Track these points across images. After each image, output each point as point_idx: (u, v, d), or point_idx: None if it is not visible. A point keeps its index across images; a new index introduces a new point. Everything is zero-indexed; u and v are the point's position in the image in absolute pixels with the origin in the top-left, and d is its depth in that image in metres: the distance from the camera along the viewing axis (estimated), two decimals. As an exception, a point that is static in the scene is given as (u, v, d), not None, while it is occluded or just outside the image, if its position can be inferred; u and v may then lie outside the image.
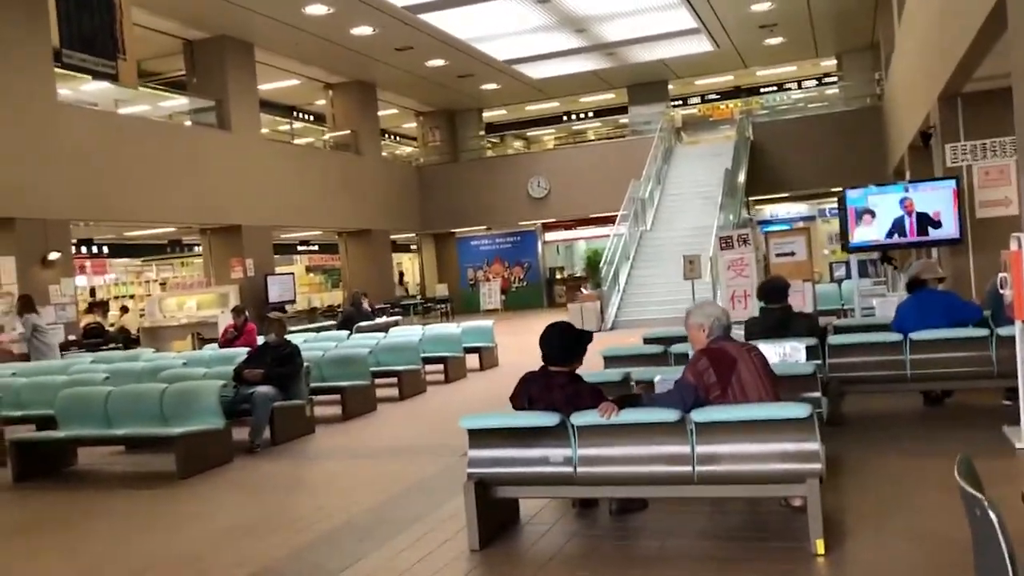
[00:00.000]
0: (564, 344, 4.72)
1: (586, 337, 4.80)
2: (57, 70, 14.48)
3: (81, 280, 20.77)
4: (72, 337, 14.77)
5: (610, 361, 7.37)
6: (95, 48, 13.00)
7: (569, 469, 4.51)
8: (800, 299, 9.38)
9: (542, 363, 4.76)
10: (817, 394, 5.76)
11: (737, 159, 22.16)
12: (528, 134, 35.24)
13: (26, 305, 12.50)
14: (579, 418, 4.47)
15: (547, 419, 4.51)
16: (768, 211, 28.26)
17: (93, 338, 15.63)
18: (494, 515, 4.78)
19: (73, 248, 17.13)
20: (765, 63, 26.22)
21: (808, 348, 6.51)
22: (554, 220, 27.25)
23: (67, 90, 16.58)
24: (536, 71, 24.37)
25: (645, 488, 4.54)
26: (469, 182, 26.95)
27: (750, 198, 23.88)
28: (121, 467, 7.92)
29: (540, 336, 4.77)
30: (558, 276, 28.37)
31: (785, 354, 6.41)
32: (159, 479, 7.08)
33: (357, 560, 4.62)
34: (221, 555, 4.94)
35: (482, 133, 30.28)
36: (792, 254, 10.66)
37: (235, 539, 5.25)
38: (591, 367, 5.53)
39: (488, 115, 30.44)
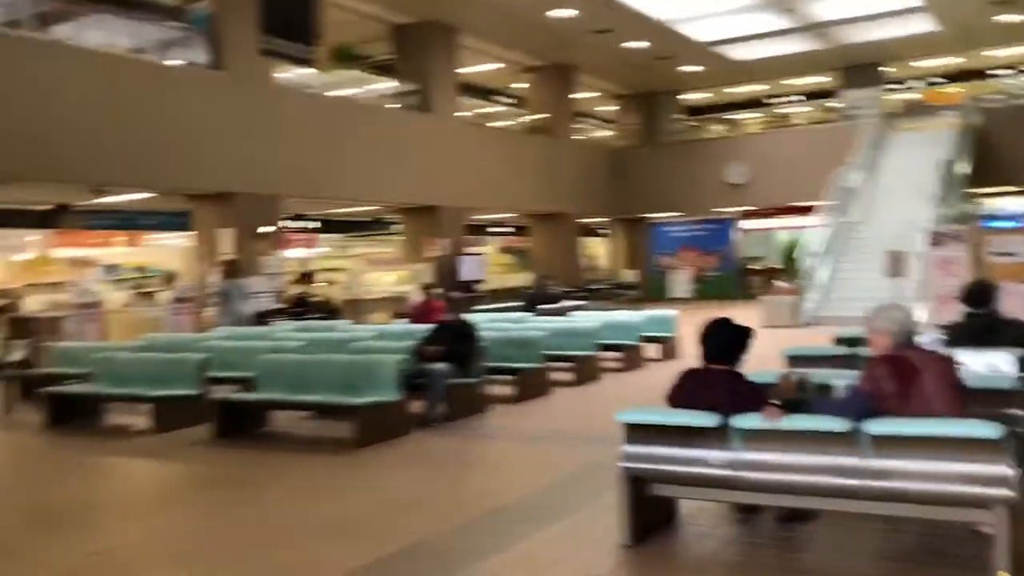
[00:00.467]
0: (723, 340, 4.51)
1: (747, 334, 4.55)
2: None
3: (292, 252, 22.27)
4: (280, 306, 15.86)
5: (793, 361, 6.98)
6: (293, 34, 13.73)
7: (729, 472, 4.31)
8: (1020, 303, 8.54)
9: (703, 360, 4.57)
10: (1021, 412, 5.19)
11: (959, 148, 20.40)
12: (729, 118, 34.16)
13: (231, 270, 13.47)
14: (742, 420, 4.27)
15: (707, 419, 4.33)
16: (993, 206, 25.90)
17: (299, 307, 16.71)
18: (650, 512, 4.67)
19: (285, 222, 18.38)
20: (995, 43, 23.94)
21: (1020, 360, 5.88)
22: (752, 208, 26.28)
23: (284, 73, 17.74)
24: (740, 52, 23.52)
25: (809, 499, 4.26)
26: (664, 167, 26.47)
27: (973, 191, 21.93)
28: (308, 432, 8.41)
29: (700, 332, 4.58)
30: (753, 267, 27.35)
31: (991, 365, 5.84)
32: (340, 445, 7.46)
33: (512, 543, 4.67)
34: (385, 524, 5.13)
35: (680, 116, 29.64)
36: (1013, 254, 9.73)
37: (398, 511, 5.44)
38: (770, 366, 5.26)
39: (687, 98, 29.75)
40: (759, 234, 28.43)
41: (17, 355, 10.08)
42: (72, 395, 9.39)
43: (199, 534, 5.17)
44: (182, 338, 11.76)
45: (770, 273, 25.11)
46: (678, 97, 29.07)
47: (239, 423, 8.18)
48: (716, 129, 33.63)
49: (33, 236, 19.84)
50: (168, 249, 23.94)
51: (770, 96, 30.27)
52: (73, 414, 9.26)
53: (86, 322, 12.99)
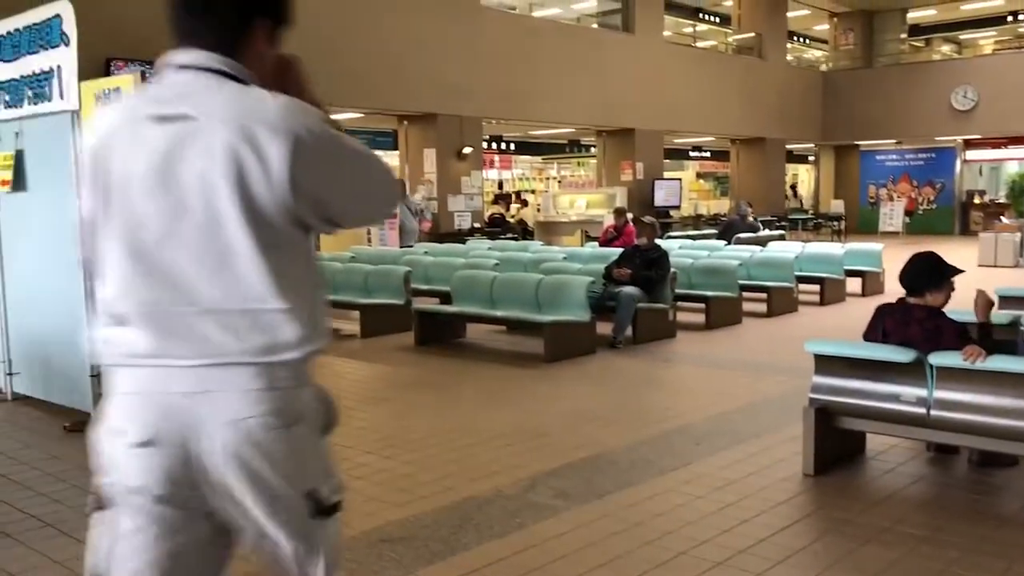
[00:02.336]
0: (920, 272, 4.32)
1: (949, 270, 4.32)
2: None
3: (491, 174, 22.84)
4: (476, 225, 16.43)
5: (1006, 301, 6.56)
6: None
7: (922, 410, 4.19)
8: None
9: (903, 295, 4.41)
10: None
11: None
12: (961, 37, 31.22)
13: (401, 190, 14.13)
14: (938, 358, 4.11)
15: (902, 354, 4.20)
16: None
17: (495, 227, 17.24)
18: (835, 444, 4.62)
19: (484, 144, 18.84)
20: None
21: None
22: (979, 137, 24.16)
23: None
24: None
25: (1008, 443, 4.07)
26: (882, 90, 24.73)
27: None
28: (499, 345, 8.81)
29: (903, 266, 4.41)
30: (976, 201, 25.25)
31: None
32: (528, 360, 7.79)
33: (688, 463, 4.77)
34: (565, 435, 5.38)
35: (904, 36, 27.42)
36: None
37: (581, 423, 5.66)
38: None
39: (914, 16, 27.42)
40: (986, 165, 26.17)
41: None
42: (291, 299, 10.27)
43: (402, 429, 5.62)
44: (387, 251, 12.49)
45: (994, 208, 23.15)
46: (906, 15, 26.83)
47: (437, 333, 8.69)
48: (944, 50, 30.90)
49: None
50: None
51: (1012, 12, 27.27)
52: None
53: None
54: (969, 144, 24.85)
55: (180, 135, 1.63)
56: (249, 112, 1.62)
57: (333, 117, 1.75)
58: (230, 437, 1.63)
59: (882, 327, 4.40)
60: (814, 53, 30.91)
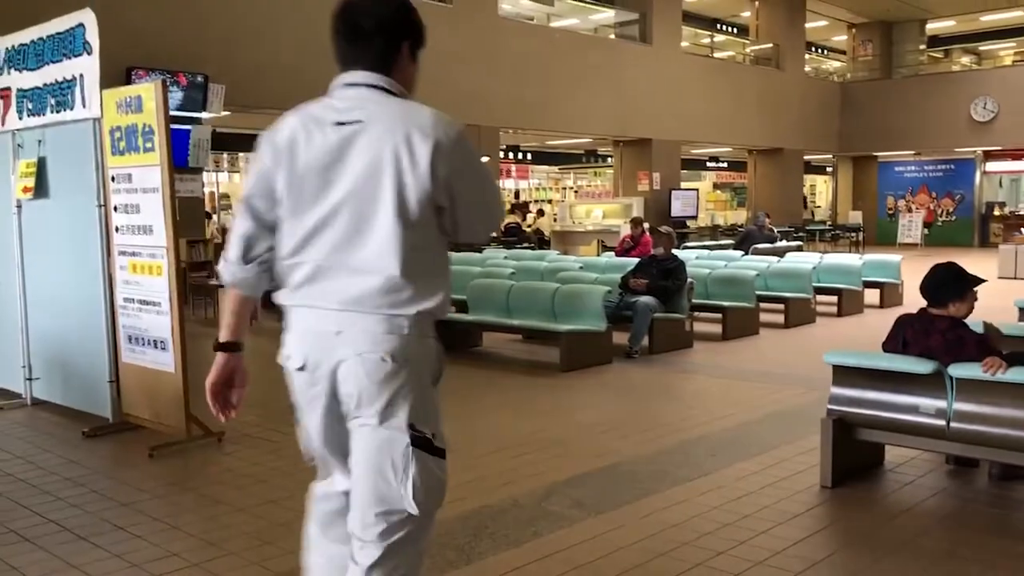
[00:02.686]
0: (943, 283, 4.28)
1: (972, 279, 4.28)
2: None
3: (508, 183, 22.87)
4: (493, 234, 16.44)
5: (1025, 313, 6.52)
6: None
7: (941, 422, 4.15)
8: None
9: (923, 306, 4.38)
10: None
11: None
12: (980, 48, 31.04)
13: None
14: (959, 369, 4.08)
15: (921, 365, 4.17)
16: None
17: (511, 236, 17.26)
18: (853, 456, 4.59)
19: (501, 153, 18.87)
20: None
21: None
22: (999, 148, 24.00)
23: (508, 5, 18.03)
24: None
25: (1029, 457, 4.03)
26: (900, 101, 24.63)
27: None
28: (515, 353, 8.80)
29: (924, 277, 4.38)
30: (996, 212, 25.05)
31: None
32: (545, 369, 7.78)
33: (705, 474, 4.75)
34: (582, 445, 5.36)
35: (923, 47, 27.30)
36: None
37: (598, 433, 5.65)
38: (1002, 319, 4.95)
39: (933, 27, 27.29)
40: (1007, 176, 25.97)
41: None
42: (308, 306, 10.33)
43: (415, 438, 5.63)
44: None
45: (1014, 220, 22.97)
46: (924, 26, 26.70)
47: (453, 341, 8.68)
48: (964, 61, 30.73)
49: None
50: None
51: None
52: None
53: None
54: (989, 155, 24.69)
55: (353, 135, 2.16)
56: (406, 119, 2.16)
57: None
58: (355, 366, 2.15)
59: (902, 337, 4.37)
60: (832, 64, 30.82)
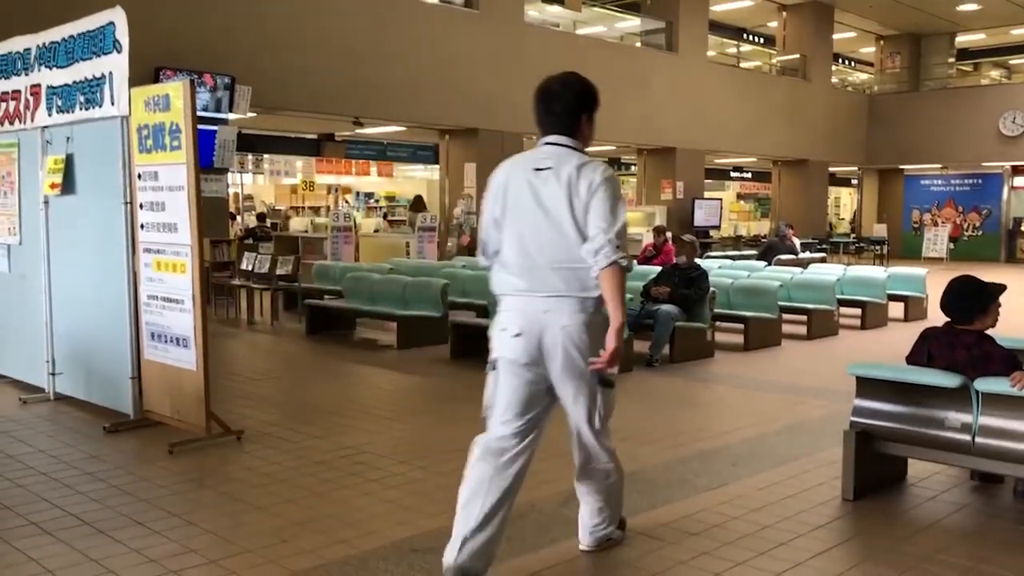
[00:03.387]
0: (967, 297, 4.22)
1: (988, 291, 4.21)
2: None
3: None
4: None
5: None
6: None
7: (967, 437, 4.09)
8: None
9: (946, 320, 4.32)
10: None
11: None
12: (1011, 62, 30.73)
13: (416, 205, 14.73)
14: (985, 383, 4.02)
15: (947, 379, 4.11)
16: None
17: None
18: (876, 469, 4.53)
19: (525, 159, 18.87)
20: None
21: None
22: (1028, 163, 23.76)
23: (535, 12, 18.05)
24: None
25: (1057, 474, 3.96)
26: (928, 114, 24.42)
27: None
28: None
29: (945, 290, 4.32)
30: (1023, 228, 24.76)
31: None
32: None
33: (724, 483, 4.71)
34: (601, 452, 5.32)
35: (952, 60, 27.06)
36: None
37: (617, 440, 5.47)
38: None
39: (962, 40, 27.05)
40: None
41: (283, 269, 11.23)
42: (329, 308, 10.38)
43: (437, 440, 5.63)
44: (425, 264, 12.55)
45: (1043, 236, 22.70)
46: (954, 39, 26.46)
47: (473, 345, 8.66)
48: (993, 75, 30.43)
49: (300, 163, 21.72)
50: (416, 181, 25.31)
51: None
52: (329, 325, 10.25)
53: (342, 243, 14.16)
54: (1017, 170, 24.42)
55: (546, 177, 3.27)
56: (578, 166, 3.26)
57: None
58: (559, 335, 3.23)
59: (927, 351, 4.31)
60: (860, 76, 30.62)
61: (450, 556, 3.23)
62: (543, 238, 3.22)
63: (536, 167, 3.29)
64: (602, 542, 3.68)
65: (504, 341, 3.28)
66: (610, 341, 3.14)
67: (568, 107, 3.38)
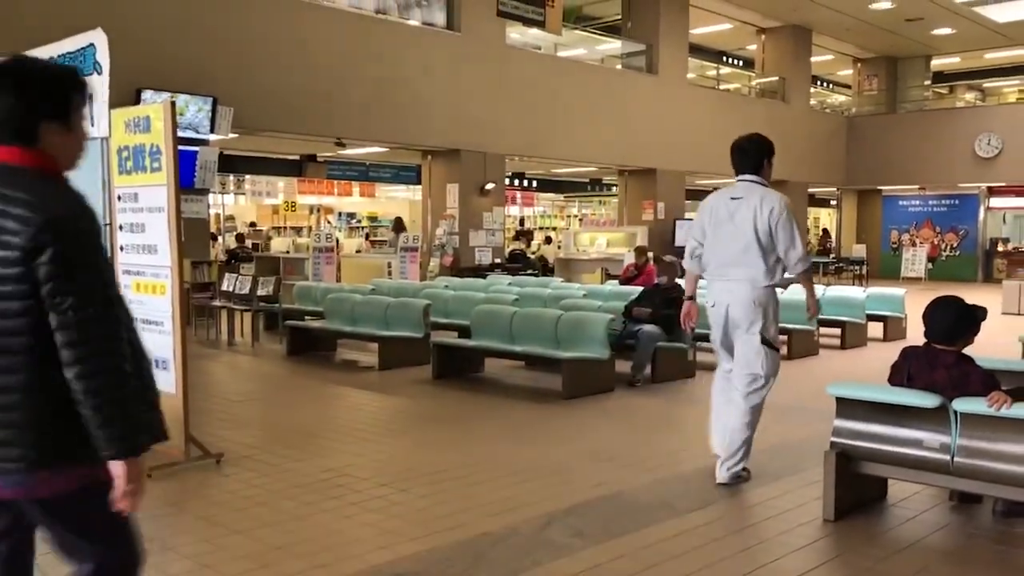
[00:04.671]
0: (945, 319, 4.26)
1: (975, 314, 4.27)
2: (507, 16, 15.94)
3: (512, 210, 22.91)
4: (497, 260, 16.46)
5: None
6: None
7: (945, 457, 4.12)
8: None
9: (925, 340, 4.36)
10: None
11: None
12: (985, 85, 31.20)
13: (397, 226, 14.97)
14: (963, 404, 4.05)
15: (926, 399, 4.14)
16: None
17: (515, 263, 17.27)
18: (856, 489, 4.55)
19: (507, 180, 18.94)
20: None
21: None
22: (1003, 184, 24.06)
23: (516, 34, 18.16)
24: (1003, 14, 21.36)
25: (1034, 494, 3.99)
26: (905, 136, 24.74)
27: None
28: (517, 380, 8.77)
29: (926, 310, 4.37)
30: (999, 248, 25.07)
31: None
32: (546, 396, 7.76)
33: (706, 504, 4.71)
34: (583, 473, 5.33)
35: (928, 82, 27.44)
36: None
37: (599, 461, 5.61)
38: (1007, 354, 4.94)
39: (937, 63, 27.45)
40: (1010, 213, 26.03)
41: (264, 290, 11.17)
42: (310, 330, 10.33)
43: (419, 462, 5.59)
44: (407, 285, 12.53)
45: (1018, 256, 22.99)
46: (929, 62, 26.85)
47: (455, 366, 8.67)
48: (968, 98, 30.88)
49: (282, 183, 21.69)
50: (398, 201, 25.30)
51: (1036, 61, 27.23)
52: (310, 346, 10.20)
53: (323, 264, 14.13)
54: (993, 191, 24.75)
55: (739, 205, 4.93)
56: (763, 197, 4.90)
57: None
58: (739, 307, 4.92)
59: (907, 370, 4.34)
60: (837, 98, 30.99)
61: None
62: (735, 247, 4.90)
63: (732, 196, 4.97)
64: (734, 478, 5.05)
65: (709, 310, 5.11)
66: (811, 301, 5.23)
67: (751, 159, 5.01)
